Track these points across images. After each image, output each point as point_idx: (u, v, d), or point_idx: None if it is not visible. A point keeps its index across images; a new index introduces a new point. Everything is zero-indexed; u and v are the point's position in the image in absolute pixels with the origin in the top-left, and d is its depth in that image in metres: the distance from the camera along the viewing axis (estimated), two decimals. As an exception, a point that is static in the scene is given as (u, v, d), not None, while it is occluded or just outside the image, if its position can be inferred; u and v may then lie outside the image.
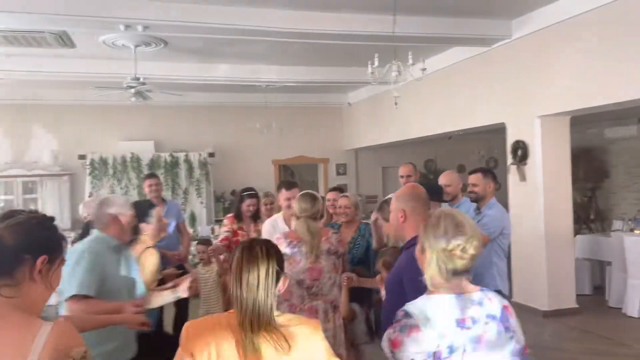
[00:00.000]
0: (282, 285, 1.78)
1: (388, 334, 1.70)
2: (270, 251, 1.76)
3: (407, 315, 1.68)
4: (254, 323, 1.65)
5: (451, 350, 1.63)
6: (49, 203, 9.84)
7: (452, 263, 1.69)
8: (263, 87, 9.65)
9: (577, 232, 8.71)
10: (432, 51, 7.79)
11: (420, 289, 1.75)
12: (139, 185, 9.98)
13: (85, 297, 2.41)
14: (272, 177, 11.66)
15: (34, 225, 1.39)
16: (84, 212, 4.73)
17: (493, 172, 4.06)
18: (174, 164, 10.30)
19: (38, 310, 1.40)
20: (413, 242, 2.17)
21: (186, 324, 1.77)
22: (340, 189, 4.92)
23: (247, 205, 4.60)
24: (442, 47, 7.60)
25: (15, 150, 9.88)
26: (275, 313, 1.72)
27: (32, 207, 9.73)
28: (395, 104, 5.02)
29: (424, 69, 4.93)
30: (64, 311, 2.50)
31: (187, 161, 10.39)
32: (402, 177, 4.76)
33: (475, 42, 6.86)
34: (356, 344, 3.47)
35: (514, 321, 1.79)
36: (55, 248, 1.42)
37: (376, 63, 4.81)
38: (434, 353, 1.63)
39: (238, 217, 4.64)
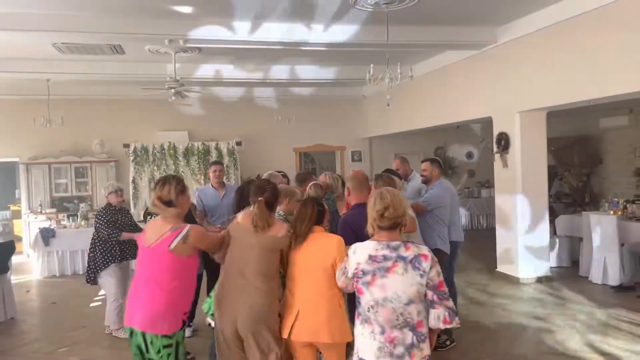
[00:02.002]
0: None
1: None
2: None
3: (349, 249, 2.71)
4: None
5: (364, 273, 2.56)
6: (98, 186, 11.25)
7: (377, 221, 2.58)
8: (284, 83, 10.82)
9: (572, 213, 9.70)
10: (430, 54, 8.83)
11: (346, 229, 3.05)
12: (176, 171, 11.36)
13: None
14: (293, 163, 12.88)
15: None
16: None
17: (439, 160, 5.20)
18: (205, 152, 11.61)
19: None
20: (354, 207, 3.39)
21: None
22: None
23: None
24: (438, 50, 8.61)
25: (68, 140, 11.32)
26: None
27: (82, 190, 11.30)
28: (388, 105, 6.13)
29: (411, 76, 6.02)
30: None
31: (218, 149, 11.68)
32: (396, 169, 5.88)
33: (465, 47, 7.87)
34: None
35: (426, 265, 2.50)
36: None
37: (371, 72, 5.90)
38: (355, 273, 2.60)
39: None
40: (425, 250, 2.57)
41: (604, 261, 7.19)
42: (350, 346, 2.89)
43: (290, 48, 7.68)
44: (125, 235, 5.39)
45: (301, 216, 3.17)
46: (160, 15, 6.46)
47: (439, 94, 9.42)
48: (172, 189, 3.10)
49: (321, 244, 3.08)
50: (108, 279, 5.45)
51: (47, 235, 9.12)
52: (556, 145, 11.88)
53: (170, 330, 3.00)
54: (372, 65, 5.99)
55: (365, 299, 2.55)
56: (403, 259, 2.50)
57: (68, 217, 10.24)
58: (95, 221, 5.63)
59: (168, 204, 3.08)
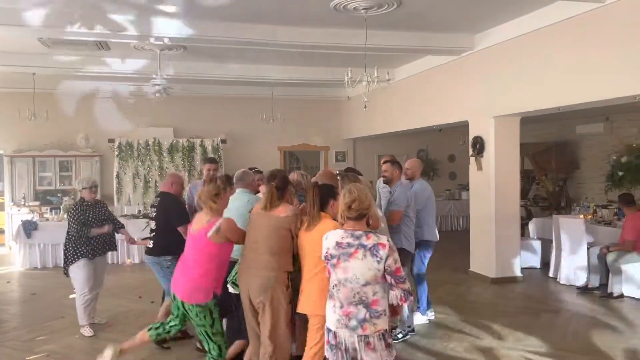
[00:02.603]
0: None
1: None
2: None
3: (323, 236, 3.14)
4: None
5: (332, 256, 3.00)
6: (82, 180, 11.31)
7: (345, 212, 2.99)
8: (270, 82, 10.97)
9: (547, 216, 9.95)
10: (412, 58, 9.04)
11: None
12: (160, 167, 11.48)
13: None
14: (278, 162, 13.03)
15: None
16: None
17: (399, 162, 5.35)
18: (190, 149, 11.74)
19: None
20: None
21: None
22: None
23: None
24: (418, 54, 8.82)
25: (53, 134, 11.36)
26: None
27: (66, 184, 11.37)
28: (365, 107, 6.32)
29: (388, 80, 6.22)
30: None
31: (202, 146, 11.81)
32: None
33: (443, 52, 8.10)
34: None
35: (383, 252, 2.86)
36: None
37: (349, 74, 6.09)
38: (325, 256, 3.04)
39: None
40: (384, 240, 2.93)
41: (571, 263, 7.45)
42: None
43: (274, 49, 7.83)
44: (95, 231, 5.49)
45: (308, 201, 3.56)
46: (146, 13, 6.59)
47: (419, 97, 9.64)
48: (219, 187, 3.76)
49: (320, 230, 3.33)
50: (77, 272, 5.47)
51: (29, 228, 9.20)
52: (534, 150, 12.18)
53: (202, 300, 3.64)
54: (349, 68, 6.20)
55: (332, 279, 3.03)
56: (364, 246, 2.91)
57: (51, 210, 10.32)
58: (67, 217, 5.74)
59: (216, 196, 3.73)
